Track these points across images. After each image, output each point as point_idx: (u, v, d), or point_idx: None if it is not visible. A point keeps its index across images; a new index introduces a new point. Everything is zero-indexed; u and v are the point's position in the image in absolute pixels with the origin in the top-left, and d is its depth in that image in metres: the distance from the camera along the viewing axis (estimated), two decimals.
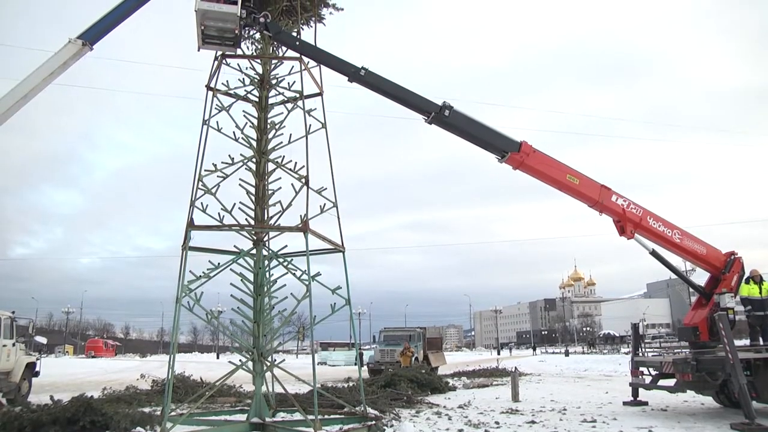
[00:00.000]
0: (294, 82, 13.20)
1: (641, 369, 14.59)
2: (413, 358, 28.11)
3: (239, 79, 13.28)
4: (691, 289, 16.57)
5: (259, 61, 13.69)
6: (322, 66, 13.32)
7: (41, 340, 27.26)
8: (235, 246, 12.60)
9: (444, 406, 15.37)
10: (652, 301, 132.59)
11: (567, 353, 71.59)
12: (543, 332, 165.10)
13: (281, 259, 12.38)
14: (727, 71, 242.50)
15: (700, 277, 15.31)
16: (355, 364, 15.37)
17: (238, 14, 12.07)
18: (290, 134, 12.78)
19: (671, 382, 13.37)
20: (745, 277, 13.95)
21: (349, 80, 12.51)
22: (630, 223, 13.56)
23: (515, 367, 20.80)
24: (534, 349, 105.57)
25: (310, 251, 11.58)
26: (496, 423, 12.15)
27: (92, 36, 12.13)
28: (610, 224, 14.04)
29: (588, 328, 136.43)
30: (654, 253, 13.95)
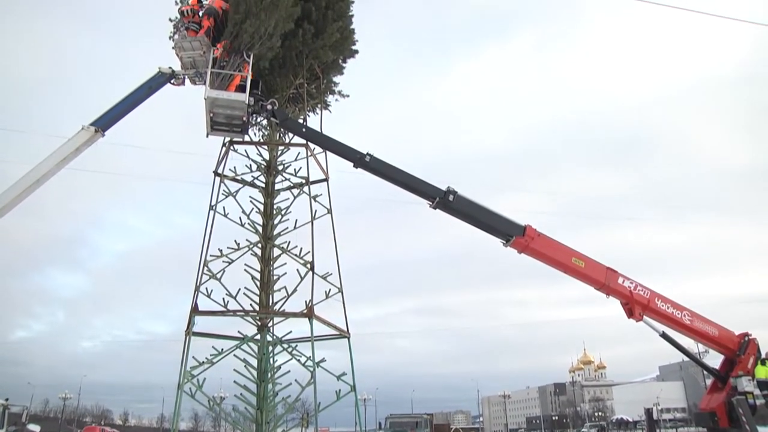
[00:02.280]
0: (300, 168, 13.51)
1: None
2: None
3: (246, 165, 13.60)
4: (705, 372, 16.15)
5: (266, 147, 14.01)
6: (328, 152, 13.53)
7: (34, 428, 26.44)
8: (239, 331, 12.51)
9: None
10: (666, 384, 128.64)
11: None
12: (553, 417, 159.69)
13: (285, 345, 12.25)
14: (733, 150, 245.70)
15: (714, 359, 14.95)
16: None
17: (246, 102, 12.33)
18: (296, 220, 12.97)
19: None
20: (761, 359, 13.59)
21: (354, 166, 12.66)
22: (638, 305, 13.37)
23: None
24: None
25: (315, 337, 11.48)
26: None
27: (104, 123, 12.42)
28: (618, 306, 13.85)
29: (600, 413, 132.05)
30: (664, 336, 13.67)
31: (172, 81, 13.35)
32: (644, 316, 13.44)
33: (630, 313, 13.47)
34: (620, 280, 13.54)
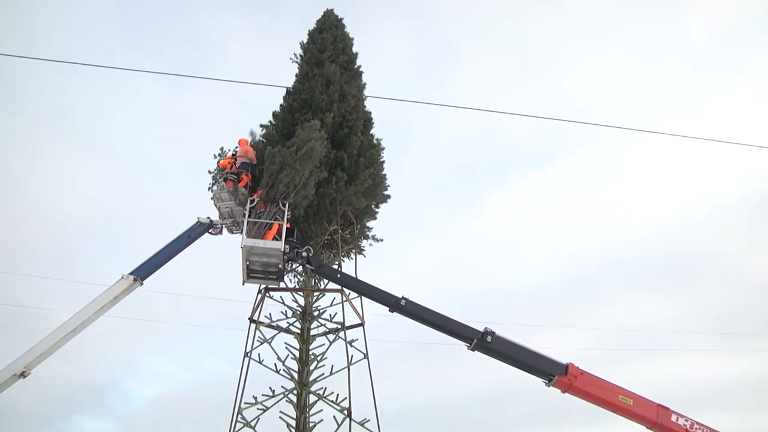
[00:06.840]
0: (336, 313, 13.55)
1: None
2: None
3: (282, 311, 13.67)
4: None
5: (301, 293, 14.16)
6: (363, 297, 13.58)
7: None
8: None
9: None
10: None
11: None
12: None
13: None
14: None
15: None
16: None
17: (282, 250, 12.58)
18: (332, 365, 12.83)
19: None
20: None
21: (390, 310, 12.66)
22: None
23: None
24: None
25: None
26: None
27: (143, 272, 12.78)
28: None
29: None
30: None
31: (210, 230, 13.84)
32: None
33: None
34: (674, 418, 12.78)
